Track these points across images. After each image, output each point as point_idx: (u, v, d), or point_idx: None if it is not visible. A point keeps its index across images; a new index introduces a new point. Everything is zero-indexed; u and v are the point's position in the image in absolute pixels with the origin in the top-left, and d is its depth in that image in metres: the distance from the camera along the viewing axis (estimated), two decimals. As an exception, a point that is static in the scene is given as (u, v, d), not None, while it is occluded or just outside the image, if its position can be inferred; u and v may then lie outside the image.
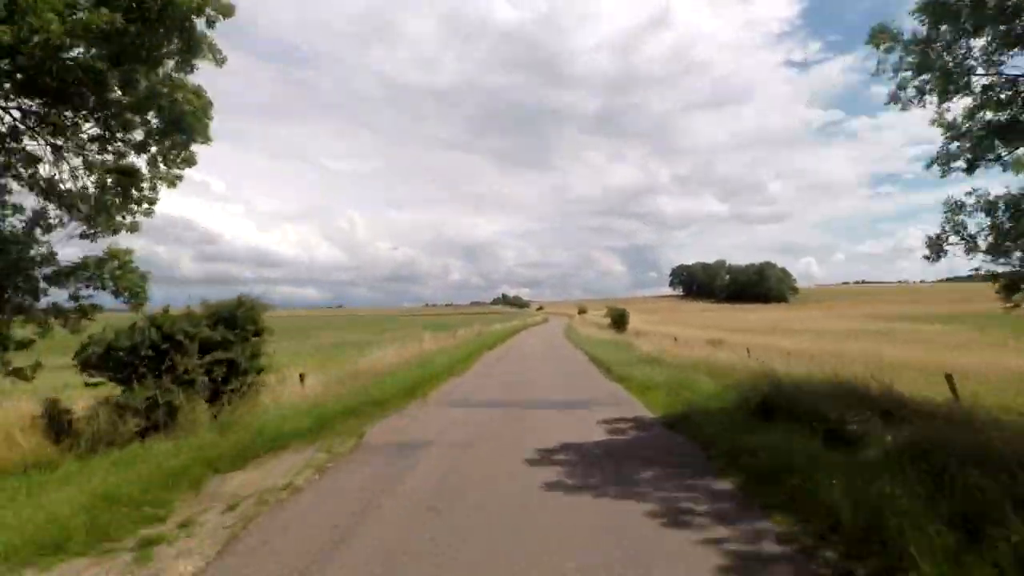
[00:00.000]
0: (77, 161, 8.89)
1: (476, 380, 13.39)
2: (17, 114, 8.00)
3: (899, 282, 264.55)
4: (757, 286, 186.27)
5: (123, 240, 9.62)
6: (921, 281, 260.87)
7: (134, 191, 11.19)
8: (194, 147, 10.17)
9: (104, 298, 9.02)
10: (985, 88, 7.15)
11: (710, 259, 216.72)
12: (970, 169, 7.43)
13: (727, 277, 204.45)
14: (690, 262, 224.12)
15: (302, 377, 10.70)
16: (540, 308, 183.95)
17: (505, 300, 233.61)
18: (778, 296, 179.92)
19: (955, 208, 6.93)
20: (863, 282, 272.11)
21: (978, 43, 6.99)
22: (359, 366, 13.45)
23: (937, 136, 7.67)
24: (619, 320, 36.60)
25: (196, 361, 7.99)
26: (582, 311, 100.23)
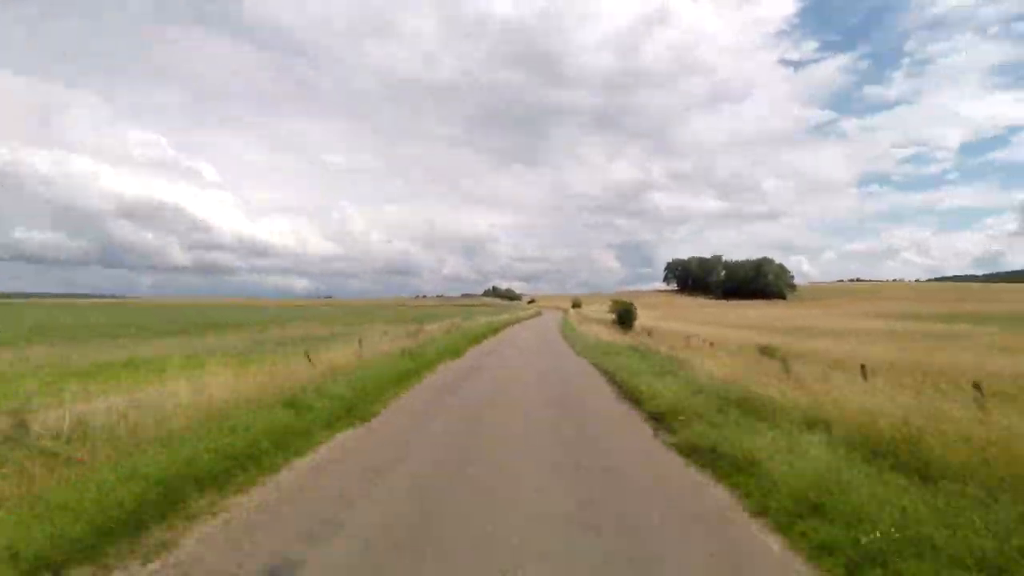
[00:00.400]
0: None
1: (368, 464, 5.68)
2: None
3: (893, 280, 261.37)
4: (754, 282, 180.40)
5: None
6: (917, 280, 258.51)
7: None
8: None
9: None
10: None
11: (704, 255, 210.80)
12: None
13: (723, 272, 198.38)
14: (685, 257, 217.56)
15: None
16: (532, 301, 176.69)
17: (496, 292, 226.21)
18: (776, 292, 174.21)
19: None
20: (857, 280, 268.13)
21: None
22: (167, 404, 6.35)
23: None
24: (625, 316, 29.59)
25: None
26: (576, 304, 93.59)
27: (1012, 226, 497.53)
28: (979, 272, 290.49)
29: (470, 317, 42.27)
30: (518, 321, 49.93)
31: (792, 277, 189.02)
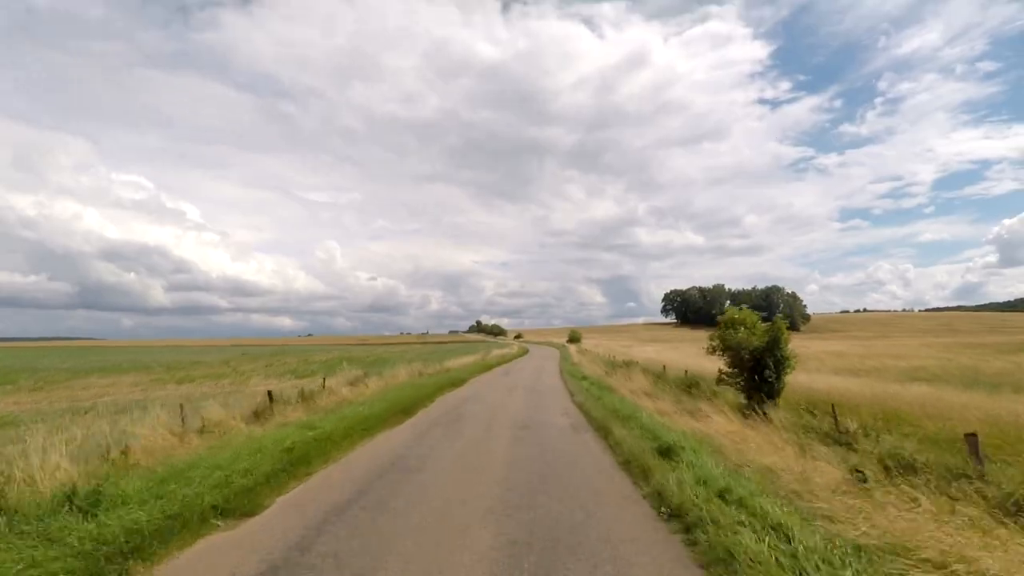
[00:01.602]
0: None
1: None
2: None
3: (903, 310, 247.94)
4: (763, 312, 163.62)
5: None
6: (924, 310, 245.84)
7: None
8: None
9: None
10: None
11: (691, 288, 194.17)
12: None
13: (728, 303, 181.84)
14: (683, 288, 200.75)
15: None
16: (518, 336, 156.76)
17: (480, 328, 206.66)
18: (788, 324, 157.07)
19: None
20: (864, 310, 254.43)
21: None
22: None
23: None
24: (771, 371, 10.62)
25: None
26: (574, 338, 73.35)
27: (989, 259, 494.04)
28: (964, 303, 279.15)
29: (425, 361, 23.50)
30: (490, 368, 31.04)
31: (805, 307, 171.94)
